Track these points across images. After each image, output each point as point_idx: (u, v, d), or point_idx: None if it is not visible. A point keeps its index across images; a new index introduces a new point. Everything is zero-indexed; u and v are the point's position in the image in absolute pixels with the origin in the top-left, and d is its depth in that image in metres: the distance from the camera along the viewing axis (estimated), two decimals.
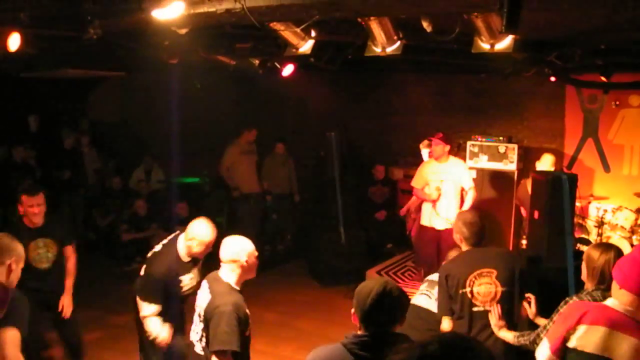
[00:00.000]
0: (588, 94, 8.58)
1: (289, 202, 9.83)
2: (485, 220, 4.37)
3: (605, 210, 7.64)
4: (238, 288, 3.68)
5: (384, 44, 4.78)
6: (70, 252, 5.27)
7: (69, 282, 5.25)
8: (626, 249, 7.20)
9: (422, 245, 7.27)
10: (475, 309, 3.97)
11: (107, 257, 8.99)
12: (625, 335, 2.69)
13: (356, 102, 10.55)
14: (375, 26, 4.57)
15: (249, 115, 11.42)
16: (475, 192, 7.09)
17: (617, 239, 7.31)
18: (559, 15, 4.74)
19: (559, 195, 5.08)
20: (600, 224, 7.49)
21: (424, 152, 7.82)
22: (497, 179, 8.45)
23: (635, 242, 7.37)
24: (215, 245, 4.10)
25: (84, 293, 7.46)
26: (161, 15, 4.02)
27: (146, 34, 5.75)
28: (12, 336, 2.96)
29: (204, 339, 3.63)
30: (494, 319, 3.89)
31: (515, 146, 8.47)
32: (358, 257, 8.22)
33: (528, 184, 6.84)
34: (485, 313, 3.95)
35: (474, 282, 3.97)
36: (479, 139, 8.68)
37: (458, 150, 8.75)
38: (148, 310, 4.29)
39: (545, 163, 7.46)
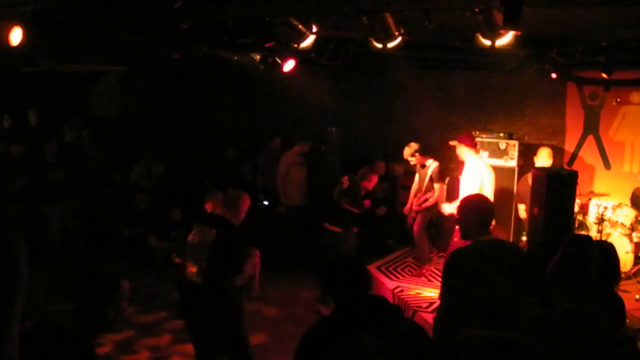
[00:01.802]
0: (589, 91, 8.57)
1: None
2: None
3: (606, 207, 7.63)
4: None
5: (385, 39, 4.78)
6: None
7: None
8: (626, 246, 7.21)
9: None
10: None
11: (107, 251, 8.99)
12: None
13: (357, 97, 10.55)
14: (376, 22, 4.58)
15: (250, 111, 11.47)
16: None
17: (617, 236, 7.32)
18: (560, 12, 4.75)
19: (559, 192, 5.08)
20: (601, 220, 7.49)
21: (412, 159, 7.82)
22: (497, 175, 8.44)
23: (635, 239, 7.37)
24: None
25: None
26: None
27: (148, 29, 5.77)
28: None
29: None
30: None
31: (516, 143, 8.46)
32: (358, 252, 8.22)
33: (529, 178, 6.84)
34: None
35: None
36: (480, 135, 8.67)
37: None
38: None
39: (542, 157, 7.46)
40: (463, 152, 6.81)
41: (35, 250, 7.78)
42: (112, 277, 2.92)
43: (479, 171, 6.72)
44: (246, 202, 4.94)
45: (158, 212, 8.94)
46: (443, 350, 1.65)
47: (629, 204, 7.62)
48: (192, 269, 4.74)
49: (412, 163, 7.83)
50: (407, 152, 7.73)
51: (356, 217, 7.57)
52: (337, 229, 7.37)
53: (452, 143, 7.01)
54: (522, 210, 7.85)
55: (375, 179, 7.77)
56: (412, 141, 7.81)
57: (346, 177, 7.59)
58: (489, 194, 6.78)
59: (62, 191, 8.68)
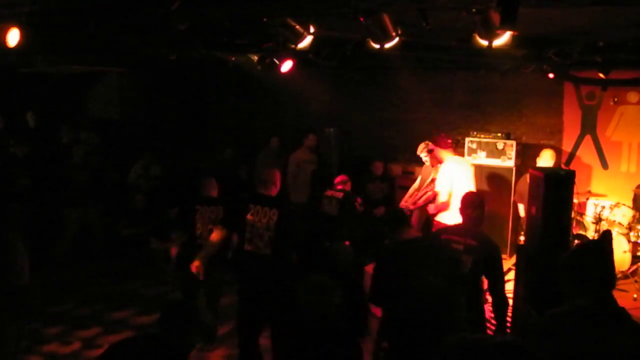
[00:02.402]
0: (586, 91, 8.59)
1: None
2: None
3: (603, 207, 7.65)
4: None
5: (382, 40, 4.79)
6: None
7: None
8: (624, 245, 7.23)
9: None
10: None
11: (105, 252, 8.99)
12: None
13: (355, 98, 10.55)
14: (374, 22, 4.59)
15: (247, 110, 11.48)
16: (440, 200, 6.79)
17: (614, 235, 7.32)
18: (557, 12, 4.76)
19: (556, 192, 5.08)
20: (598, 220, 7.51)
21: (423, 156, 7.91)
22: (495, 175, 8.46)
23: (632, 239, 7.39)
24: None
25: (81, 289, 7.52)
26: None
27: (146, 30, 5.77)
28: None
29: None
30: None
31: (514, 142, 8.48)
32: (356, 253, 8.22)
33: (528, 177, 6.87)
34: None
35: None
36: (478, 136, 8.69)
37: (456, 147, 8.76)
38: None
39: (545, 158, 7.47)
40: (440, 154, 6.95)
41: (49, 251, 7.87)
42: (195, 308, 3.27)
43: (448, 173, 6.82)
44: (278, 174, 5.52)
45: (158, 213, 8.93)
46: (441, 353, 1.66)
47: (630, 203, 7.63)
48: (258, 244, 5.16)
49: (424, 159, 7.85)
50: (423, 148, 7.77)
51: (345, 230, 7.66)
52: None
53: (430, 147, 7.13)
54: (521, 209, 7.87)
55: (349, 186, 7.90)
56: (408, 142, 7.85)
57: (330, 192, 7.71)
58: (461, 193, 6.85)
59: (87, 193, 8.69)
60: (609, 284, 2.75)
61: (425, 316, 3.68)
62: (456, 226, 4.74)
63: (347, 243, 7.35)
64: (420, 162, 8.07)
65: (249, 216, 5.22)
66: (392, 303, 3.89)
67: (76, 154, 8.88)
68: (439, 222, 6.86)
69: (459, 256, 4.32)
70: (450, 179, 6.82)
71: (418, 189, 7.92)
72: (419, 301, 3.74)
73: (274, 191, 5.38)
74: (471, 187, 6.99)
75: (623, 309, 2.66)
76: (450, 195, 6.78)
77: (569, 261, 2.83)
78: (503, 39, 4.49)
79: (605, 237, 2.97)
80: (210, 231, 5.84)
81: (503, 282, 4.40)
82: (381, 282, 4.04)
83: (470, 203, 4.59)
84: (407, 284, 3.78)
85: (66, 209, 8.45)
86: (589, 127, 8.67)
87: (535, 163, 7.59)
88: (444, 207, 6.78)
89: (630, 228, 7.44)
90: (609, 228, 7.44)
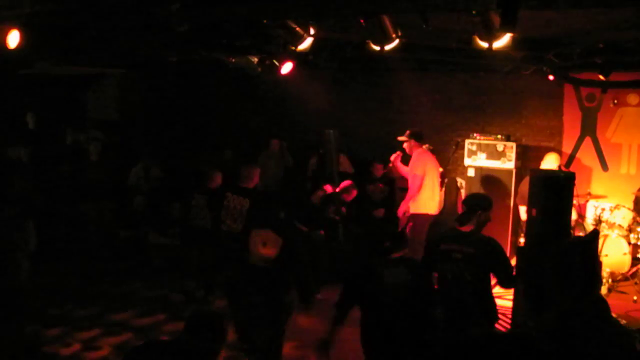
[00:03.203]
0: (586, 93, 8.59)
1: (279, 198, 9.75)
2: None
3: (603, 209, 7.65)
4: None
5: (382, 42, 4.79)
6: None
7: None
8: (624, 247, 7.22)
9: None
10: None
11: (105, 253, 8.98)
12: None
13: (355, 99, 10.55)
14: (374, 24, 4.59)
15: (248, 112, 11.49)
16: (415, 183, 7.47)
17: (614, 237, 7.32)
18: (557, 14, 4.76)
19: (556, 194, 5.08)
20: (598, 222, 7.50)
21: None
22: (495, 177, 8.46)
23: (632, 241, 7.38)
24: None
25: (81, 290, 7.51)
26: None
27: (146, 32, 5.76)
28: None
29: None
30: None
31: (514, 144, 8.47)
32: (356, 255, 8.22)
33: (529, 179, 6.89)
34: None
35: None
36: (478, 137, 8.68)
37: (456, 149, 8.75)
38: None
39: (549, 161, 7.48)
40: (412, 147, 7.64)
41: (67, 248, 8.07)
42: (223, 320, 3.26)
43: (422, 159, 7.50)
44: (257, 171, 6.75)
45: (158, 210, 8.95)
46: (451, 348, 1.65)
47: (630, 205, 7.62)
48: (232, 224, 6.37)
49: None
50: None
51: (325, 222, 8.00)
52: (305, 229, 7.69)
53: (400, 138, 7.74)
54: (523, 211, 7.87)
55: (354, 194, 8.22)
56: None
57: (321, 192, 8.00)
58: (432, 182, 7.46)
59: (102, 191, 8.73)
60: (594, 286, 2.72)
61: (397, 317, 3.68)
62: (453, 230, 4.69)
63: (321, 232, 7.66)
64: None
65: (225, 202, 6.38)
66: (366, 304, 3.90)
67: (94, 152, 8.95)
68: (421, 213, 7.33)
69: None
70: (424, 164, 7.43)
71: None
72: (391, 300, 3.75)
73: (251, 184, 6.52)
74: (436, 180, 7.57)
75: (607, 309, 2.65)
76: (423, 179, 7.41)
77: (553, 261, 2.80)
78: (503, 41, 4.49)
79: (593, 237, 2.93)
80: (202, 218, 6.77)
81: (512, 275, 4.40)
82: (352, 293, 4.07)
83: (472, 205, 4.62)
84: (380, 287, 3.82)
85: (85, 207, 8.49)
86: (589, 129, 8.66)
87: (535, 165, 7.59)
88: (417, 189, 7.39)
89: (630, 230, 7.44)
90: (609, 230, 7.44)
